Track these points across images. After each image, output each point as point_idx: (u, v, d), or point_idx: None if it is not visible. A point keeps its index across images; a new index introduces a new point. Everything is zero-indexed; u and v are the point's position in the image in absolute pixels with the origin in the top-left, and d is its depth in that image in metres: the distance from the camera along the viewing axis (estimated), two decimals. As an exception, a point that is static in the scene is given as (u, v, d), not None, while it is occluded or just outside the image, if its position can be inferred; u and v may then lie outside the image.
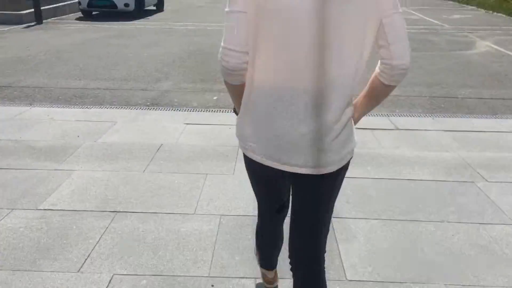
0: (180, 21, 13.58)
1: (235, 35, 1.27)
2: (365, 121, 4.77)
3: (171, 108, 5.15)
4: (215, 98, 5.62)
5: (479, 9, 17.57)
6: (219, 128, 4.50)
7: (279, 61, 1.29)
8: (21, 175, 3.37)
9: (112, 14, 14.07)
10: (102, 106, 5.15)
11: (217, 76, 6.66)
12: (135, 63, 7.54)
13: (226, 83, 1.40)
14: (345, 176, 1.54)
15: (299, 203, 1.54)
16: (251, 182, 1.67)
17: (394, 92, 5.90)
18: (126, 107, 5.13)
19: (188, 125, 4.57)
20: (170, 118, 4.77)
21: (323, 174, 1.43)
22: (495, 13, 15.91)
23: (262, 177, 1.57)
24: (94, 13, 14.52)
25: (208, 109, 5.14)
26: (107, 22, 12.84)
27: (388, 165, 3.68)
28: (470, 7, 18.53)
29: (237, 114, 1.54)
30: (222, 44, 1.30)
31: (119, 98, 5.54)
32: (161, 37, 10.56)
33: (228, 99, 5.54)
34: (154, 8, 16.59)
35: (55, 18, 13.76)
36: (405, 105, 5.45)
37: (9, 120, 4.55)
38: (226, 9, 1.29)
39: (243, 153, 1.53)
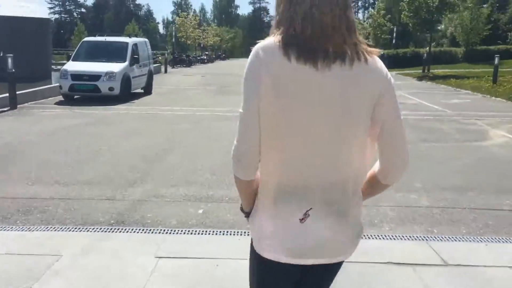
0: (167, 105, 12.77)
1: (247, 134, 1.32)
2: (400, 249, 3.58)
3: (142, 229, 3.92)
4: (200, 211, 4.41)
5: (474, 93, 17.19)
6: (204, 266, 3.24)
7: (297, 157, 1.33)
8: None
9: (96, 97, 13.25)
10: (49, 227, 3.90)
11: (205, 177, 5.52)
12: (107, 159, 6.40)
13: (236, 179, 1.40)
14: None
15: None
16: None
17: (425, 202, 4.77)
18: (80, 228, 3.88)
19: (161, 259, 3.32)
20: (137, 247, 3.52)
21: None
22: (493, 98, 15.43)
23: (275, 279, 1.48)
24: (76, 96, 13.71)
25: (191, 230, 3.91)
26: (88, 107, 11.94)
27: None
28: (464, 91, 18.19)
29: (244, 212, 1.53)
30: (234, 142, 1.34)
31: (74, 212, 4.29)
32: (144, 124, 9.59)
33: (217, 213, 4.36)
34: (142, 91, 15.92)
35: (34, 102, 12.85)
36: (443, 221, 4.28)
37: None
38: (240, 110, 1.33)
39: (255, 256, 1.46)
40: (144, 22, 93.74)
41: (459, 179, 5.63)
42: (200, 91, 17.04)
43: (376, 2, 73.78)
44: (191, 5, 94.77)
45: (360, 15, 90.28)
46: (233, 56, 78.67)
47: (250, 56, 1.32)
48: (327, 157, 1.33)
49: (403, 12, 29.32)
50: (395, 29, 39.89)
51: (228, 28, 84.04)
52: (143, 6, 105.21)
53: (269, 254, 1.40)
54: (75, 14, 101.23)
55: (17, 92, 11.69)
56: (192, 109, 11.85)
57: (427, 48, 32.96)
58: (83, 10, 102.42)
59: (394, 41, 40.51)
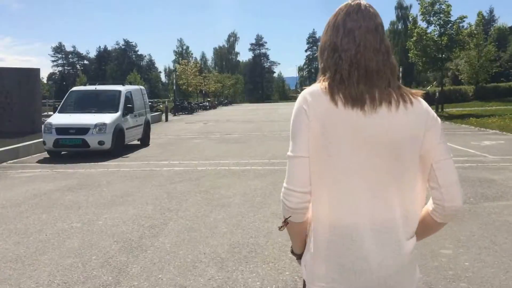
0: (165, 159, 11.20)
1: (297, 177, 1.34)
2: None
3: None
4: None
5: (504, 133, 15.61)
6: None
7: (346, 199, 1.34)
8: None
9: (85, 153, 11.71)
10: None
11: (209, 275, 3.81)
12: (74, 246, 4.70)
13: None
14: None
15: None
16: None
17: None
18: None
19: None
20: None
21: None
22: (529, 138, 13.84)
23: None
24: (63, 152, 12.17)
25: None
26: (73, 164, 10.36)
27: None
28: (491, 130, 16.64)
29: (294, 254, 1.53)
30: (284, 184, 1.36)
31: None
32: (134, 185, 7.93)
33: None
34: (138, 142, 14.41)
35: (15, 160, 11.33)
36: None
37: None
38: (289, 153, 1.36)
39: None
40: (146, 72, 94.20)
41: None
42: (202, 140, 15.54)
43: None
44: (191, 54, 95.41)
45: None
46: (236, 101, 78.23)
47: (297, 101, 1.37)
48: (376, 198, 1.33)
49: (410, 51, 28.28)
50: (401, 69, 39.04)
51: (229, 74, 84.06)
52: (145, 56, 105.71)
53: None
54: (78, 66, 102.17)
55: (-6, 151, 10.20)
56: (193, 163, 10.27)
57: (431, 86, 31.70)
58: (85, 62, 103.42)
59: (401, 81, 39.55)
